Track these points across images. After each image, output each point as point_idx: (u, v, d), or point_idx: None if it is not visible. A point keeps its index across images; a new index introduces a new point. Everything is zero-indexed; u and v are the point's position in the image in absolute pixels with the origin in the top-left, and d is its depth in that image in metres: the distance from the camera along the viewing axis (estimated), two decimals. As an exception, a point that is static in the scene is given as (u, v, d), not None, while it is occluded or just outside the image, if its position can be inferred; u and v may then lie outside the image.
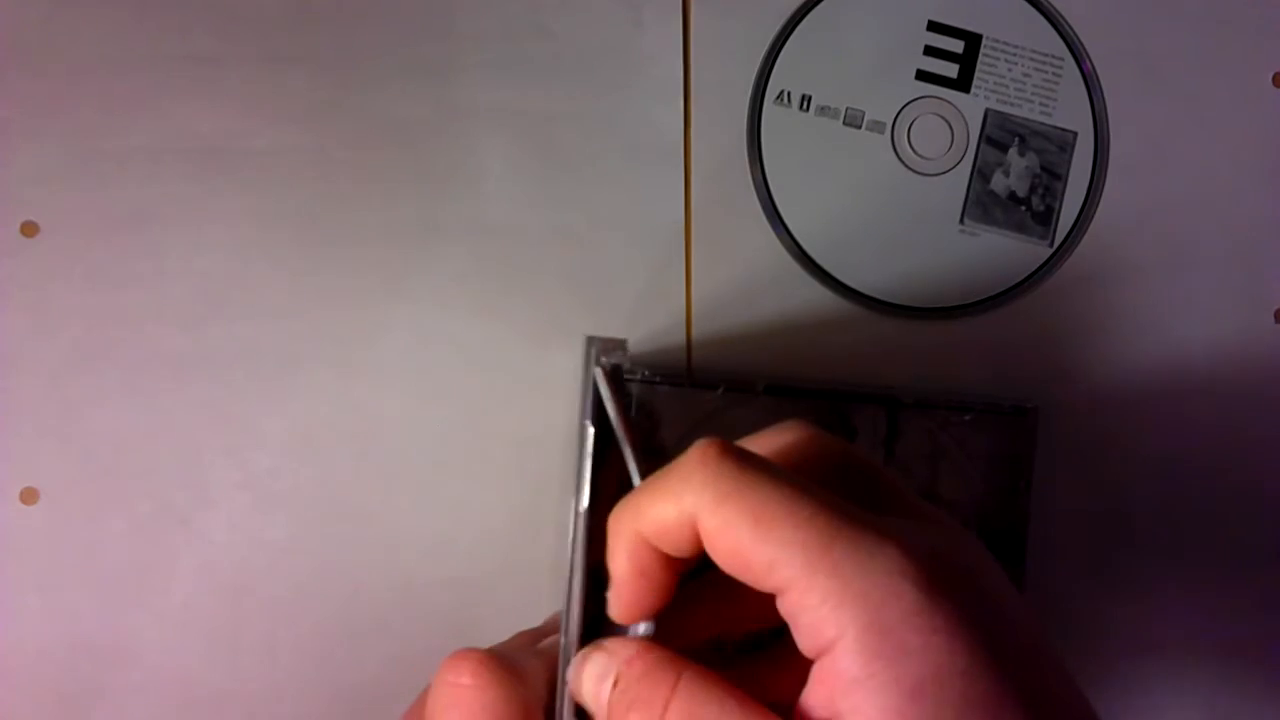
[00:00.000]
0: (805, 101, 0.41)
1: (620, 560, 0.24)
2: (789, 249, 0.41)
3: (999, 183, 0.41)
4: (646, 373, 0.40)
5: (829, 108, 0.41)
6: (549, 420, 0.41)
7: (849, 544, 0.21)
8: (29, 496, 0.40)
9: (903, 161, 0.42)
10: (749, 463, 0.23)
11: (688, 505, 0.23)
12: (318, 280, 0.40)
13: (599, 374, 0.26)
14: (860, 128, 0.42)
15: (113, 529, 0.40)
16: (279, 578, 0.40)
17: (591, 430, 0.25)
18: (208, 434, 0.40)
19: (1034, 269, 0.41)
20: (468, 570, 0.40)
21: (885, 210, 0.42)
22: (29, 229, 0.40)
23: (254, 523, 0.40)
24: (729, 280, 0.41)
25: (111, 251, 0.40)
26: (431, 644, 0.40)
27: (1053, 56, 0.41)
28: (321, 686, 0.40)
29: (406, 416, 0.40)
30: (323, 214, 0.40)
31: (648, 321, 0.41)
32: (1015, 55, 0.41)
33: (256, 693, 0.40)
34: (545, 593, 0.40)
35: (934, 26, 0.41)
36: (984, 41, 0.41)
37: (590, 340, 0.27)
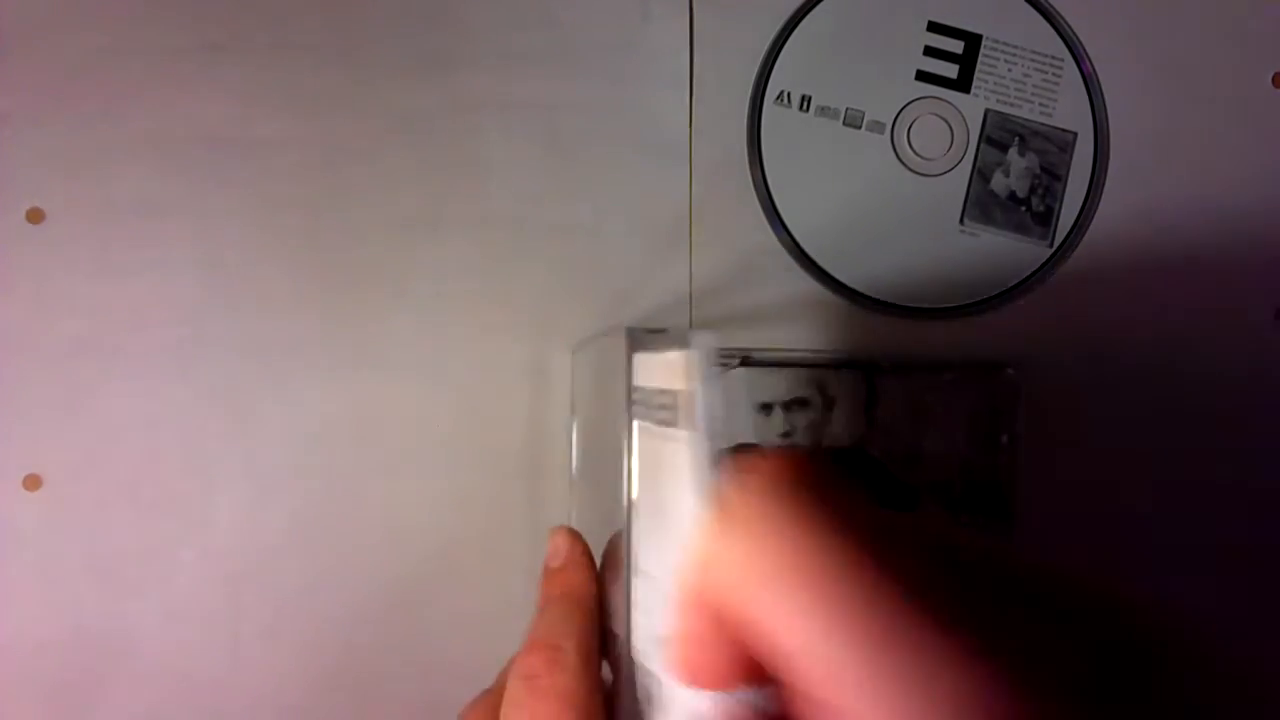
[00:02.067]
0: (805, 102, 0.42)
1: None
2: (789, 249, 0.41)
3: (999, 183, 0.42)
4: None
5: (829, 108, 0.42)
6: (548, 412, 0.41)
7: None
8: (32, 483, 0.40)
9: (902, 162, 0.42)
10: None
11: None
12: (322, 270, 0.41)
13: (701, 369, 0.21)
14: (860, 128, 0.42)
15: (115, 517, 0.40)
16: (281, 567, 0.40)
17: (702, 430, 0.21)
18: (211, 423, 0.40)
19: (1034, 269, 0.41)
20: (467, 561, 0.41)
21: (885, 210, 0.42)
22: (35, 215, 0.40)
23: (256, 512, 0.40)
24: (729, 280, 0.41)
25: (117, 239, 0.40)
26: (431, 634, 0.40)
27: (1052, 57, 0.41)
28: (322, 676, 0.40)
29: (409, 406, 0.41)
30: (328, 204, 0.41)
31: (646, 320, 0.41)
32: (1015, 55, 0.41)
33: (257, 680, 0.40)
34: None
35: (934, 27, 0.42)
36: (984, 42, 0.41)
37: (630, 331, 0.25)
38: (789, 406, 0.40)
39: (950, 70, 0.42)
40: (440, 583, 0.40)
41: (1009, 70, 0.41)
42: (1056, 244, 0.41)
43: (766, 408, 0.40)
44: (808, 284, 0.41)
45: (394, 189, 0.41)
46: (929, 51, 0.42)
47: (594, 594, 0.28)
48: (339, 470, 0.41)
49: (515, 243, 0.41)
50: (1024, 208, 0.41)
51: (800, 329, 0.41)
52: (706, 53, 0.42)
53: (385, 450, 0.41)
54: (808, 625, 0.16)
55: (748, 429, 0.40)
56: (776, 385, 0.40)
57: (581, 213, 0.41)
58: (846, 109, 0.42)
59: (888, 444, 0.40)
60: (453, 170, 0.41)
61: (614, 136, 0.41)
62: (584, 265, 0.41)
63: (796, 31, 0.42)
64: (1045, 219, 0.41)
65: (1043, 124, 0.41)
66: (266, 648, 0.40)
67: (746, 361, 0.40)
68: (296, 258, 0.41)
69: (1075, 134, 0.41)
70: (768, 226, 0.41)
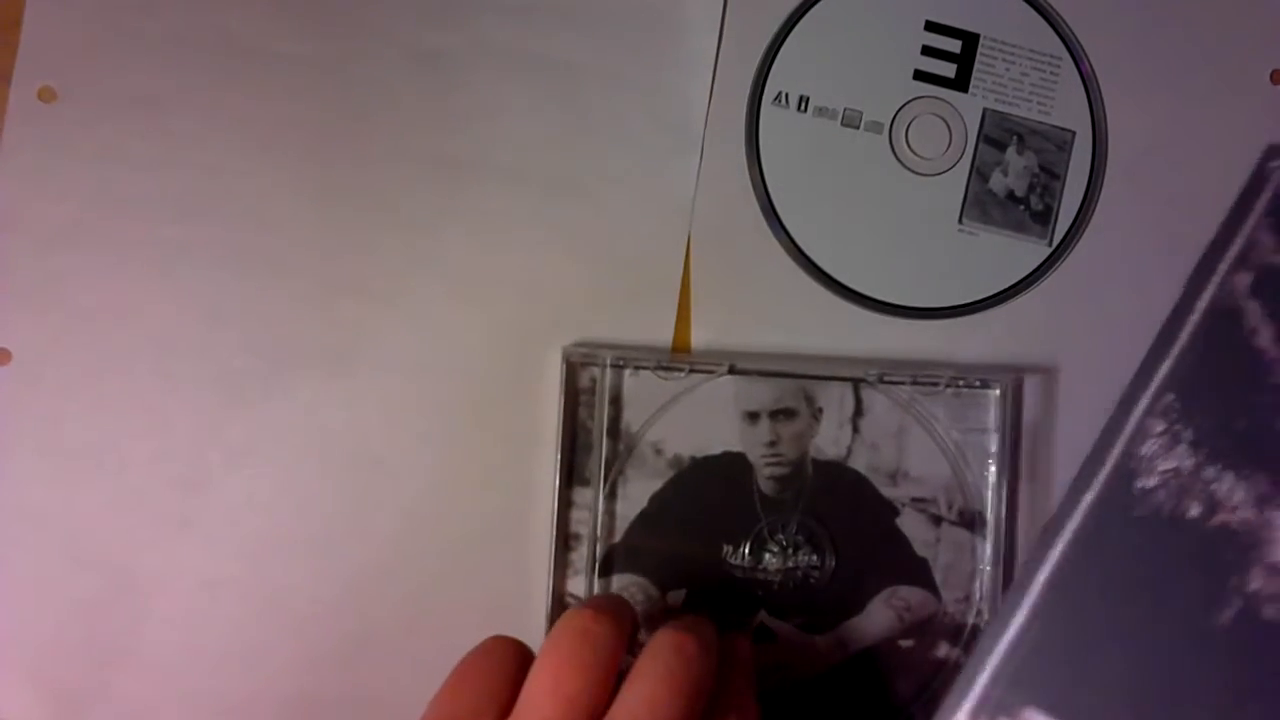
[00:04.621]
0: (803, 102, 0.42)
1: None
2: (787, 249, 0.41)
3: (997, 182, 0.41)
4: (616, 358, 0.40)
5: (827, 108, 0.42)
6: (538, 408, 0.41)
7: None
8: (1, 357, 0.40)
9: (901, 161, 0.42)
10: None
11: None
12: (319, 193, 0.41)
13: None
14: (858, 128, 0.42)
15: (75, 405, 0.40)
16: (229, 483, 0.40)
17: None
18: (183, 326, 0.41)
19: (1033, 268, 0.41)
20: (465, 556, 0.41)
21: (883, 210, 0.42)
22: (47, 94, 0.41)
23: (216, 421, 0.40)
24: (727, 280, 0.41)
25: (123, 131, 0.41)
26: (423, 631, 0.40)
27: (1051, 56, 0.41)
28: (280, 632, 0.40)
29: (402, 341, 0.41)
30: (335, 129, 0.41)
31: (641, 319, 0.41)
32: (1013, 55, 0.41)
33: (190, 568, 0.40)
34: (542, 586, 0.40)
35: (932, 26, 0.42)
36: (982, 41, 0.41)
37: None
38: (775, 416, 0.40)
39: (948, 70, 0.41)
40: (436, 575, 0.41)
41: (1007, 69, 0.41)
42: (1055, 243, 0.41)
43: (753, 416, 0.40)
44: (806, 283, 0.41)
45: (401, 122, 0.41)
46: (927, 51, 0.42)
47: None
48: (312, 390, 0.41)
49: (513, 200, 0.41)
50: (1022, 207, 0.41)
51: (798, 329, 0.41)
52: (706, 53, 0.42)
53: (362, 380, 0.41)
54: None
55: (734, 438, 0.40)
56: (764, 394, 0.40)
57: (585, 180, 0.41)
58: (844, 109, 0.42)
59: (873, 457, 0.40)
60: (464, 113, 0.41)
61: (632, 104, 0.41)
62: (582, 234, 0.41)
63: (794, 32, 0.42)
64: (1044, 218, 0.41)
65: (1041, 123, 0.41)
66: (197, 548, 0.40)
67: (733, 370, 0.40)
68: (296, 176, 0.41)
69: (1074, 133, 0.41)
70: (766, 227, 0.41)
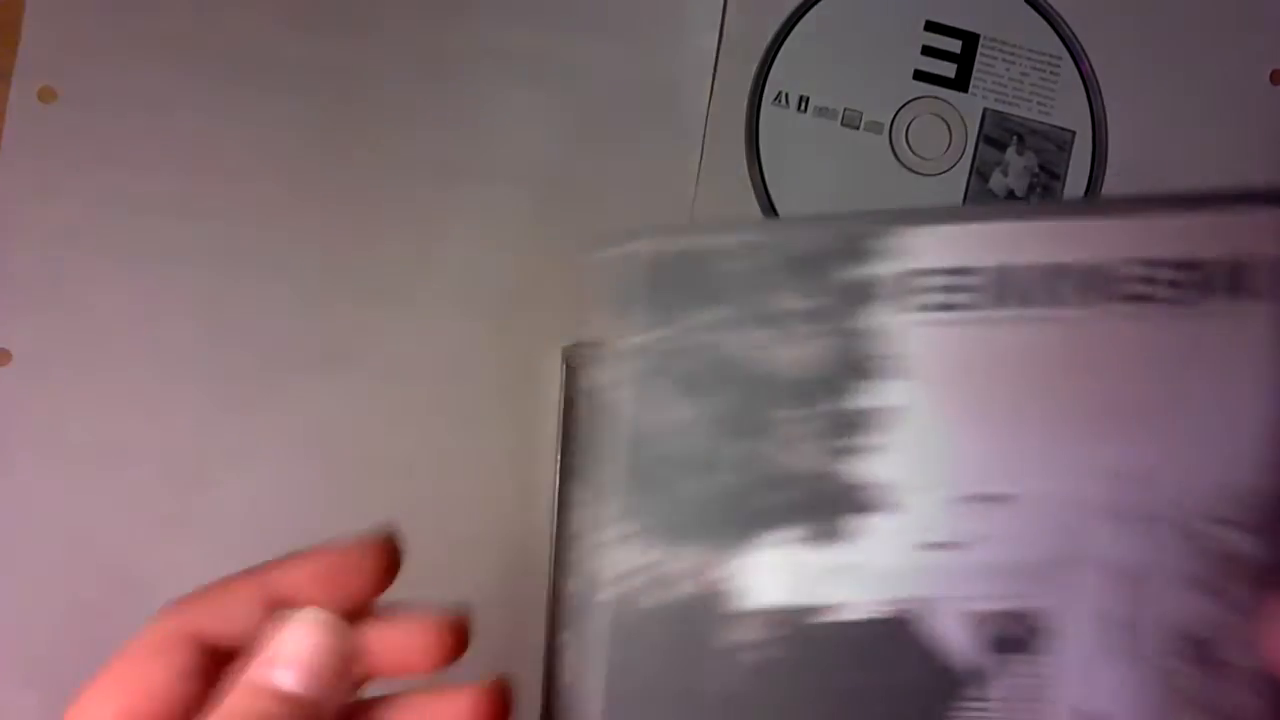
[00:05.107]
0: (803, 102, 0.42)
1: None
2: (787, 248, 0.41)
3: (997, 182, 0.41)
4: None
5: (827, 108, 0.42)
6: (538, 409, 0.41)
7: None
8: (1, 358, 0.40)
9: (901, 161, 0.42)
10: None
11: None
12: (320, 193, 0.41)
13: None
14: (858, 128, 0.42)
15: (75, 406, 0.40)
16: (231, 480, 0.40)
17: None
18: (184, 327, 0.41)
19: (1033, 268, 0.41)
20: (464, 553, 0.41)
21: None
22: (48, 94, 0.41)
23: (219, 421, 0.40)
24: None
25: (124, 131, 0.41)
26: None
27: (1051, 56, 0.41)
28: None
29: (399, 334, 0.41)
30: (336, 129, 0.41)
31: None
32: (1013, 55, 0.41)
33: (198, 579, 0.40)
34: (542, 586, 0.40)
35: (931, 26, 0.42)
36: (981, 41, 0.41)
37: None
38: None
39: (948, 70, 0.41)
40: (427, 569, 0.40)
41: (1007, 69, 0.41)
42: (1055, 243, 0.41)
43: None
44: (806, 284, 0.41)
45: (401, 123, 0.41)
46: (927, 51, 0.42)
47: None
48: (311, 391, 0.41)
49: (513, 200, 0.41)
50: (1022, 207, 0.41)
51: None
52: (705, 53, 0.42)
53: (361, 380, 0.41)
54: None
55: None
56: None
57: (585, 181, 0.41)
58: (844, 109, 0.42)
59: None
60: (461, 113, 0.41)
61: (628, 106, 0.41)
62: (582, 229, 0.41)
63: (794, 32, 0.42)
64: (1044, 218, 0.41)
65: (1041, 123, 0.41)
66: (208, 548, 0.40)
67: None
68: (297, 176, 0.41)
69: (1074, 133, 0.41)
70: (766, 227, 0.41)
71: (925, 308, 0.20)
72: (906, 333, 0.21)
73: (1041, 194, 0.41)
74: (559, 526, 0.39)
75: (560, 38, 0.42)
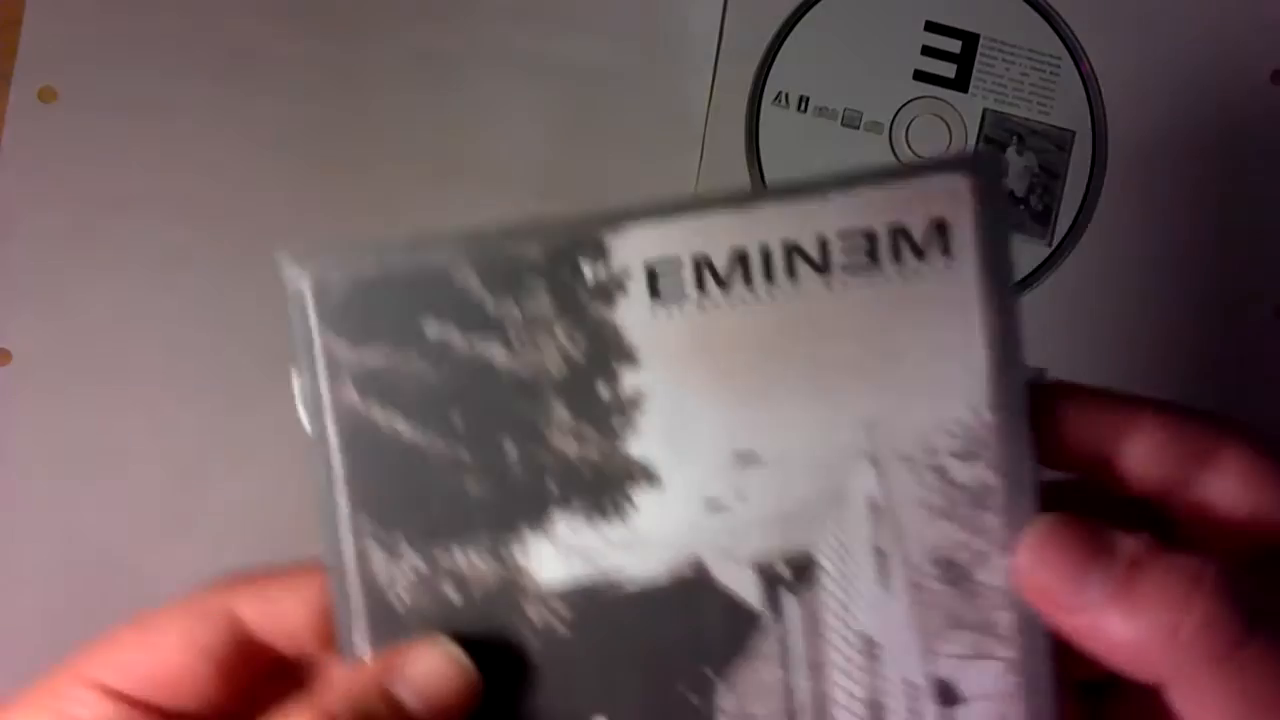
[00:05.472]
0: (803, 102, 0.42)
1: None
2: (787, 249, 0.41)
3: (997, 182, 0.41)
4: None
5: (827, 108, 0.42)
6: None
7: None
8: (1, 358, 0.40)
9: (901, 161, 0.42)
10: None
11: None
12: (320, 193, 0.41)
13: None
14: (858, 128, 0.42)
15: (75, 406, 0.40)
16: (234, 486, 0.40)
17: None
18: (186, 329, 0.41)
19: (1032, 268, 0.41)
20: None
21: (884, 210, 0.42)
22: (48, 94, 0.41)
23: (219, 421, 0.40)
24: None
25: (124, 132, 0.41)
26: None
27: (1051, 56, 0.41)
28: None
29: None
30: (335, 129, 0.41)
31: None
32: (1013, 55, 0.41)
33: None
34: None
35: (931, 26, 0.42)
36: (981, 41, 0.41)
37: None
38: None
39: (948, 70, 0.41)
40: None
41: (1007, 69, 0.41)
42: (1055, 243, 0.41)
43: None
44: (806, 284, 0.41)
45: (401, 123, 0.41)
46: (927, 51, 0.42)
47: None
48: None
49: (514, 199, 0.41)
50: (1022, 207, 0.41)
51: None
52: (705, 53, 0.42)
53: None
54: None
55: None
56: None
57: (585, 181, 0.41)
58: (844, 109, 0.42)
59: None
60: (461, 113, 0.41)
61: (628, 106, 0.41)
62: None
63: (794, 32, 0.42)
64: (1044, 218, 0.41)
65: (1041, 123, 0.41)
66: (208, 548, 0.40)
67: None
68: (297, 177, 0.41)
69: (1074, 133, 0.41)
70: (766, 227, 0.41)
71: (650, 298, 0.22)
72: (637, 324, 0.22)
73: (1042, 194, 0.41)
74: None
75: (560, 38, 0.42)
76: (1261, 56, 0.42)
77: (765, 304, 0.22)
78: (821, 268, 0.22)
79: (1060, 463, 0.22)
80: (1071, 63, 0.41)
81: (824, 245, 0.22)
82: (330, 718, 0.20)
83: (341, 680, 0.21)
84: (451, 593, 0.22)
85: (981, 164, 0.21)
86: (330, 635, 0.22)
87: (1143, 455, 0.22)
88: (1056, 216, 0.41)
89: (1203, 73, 0.42)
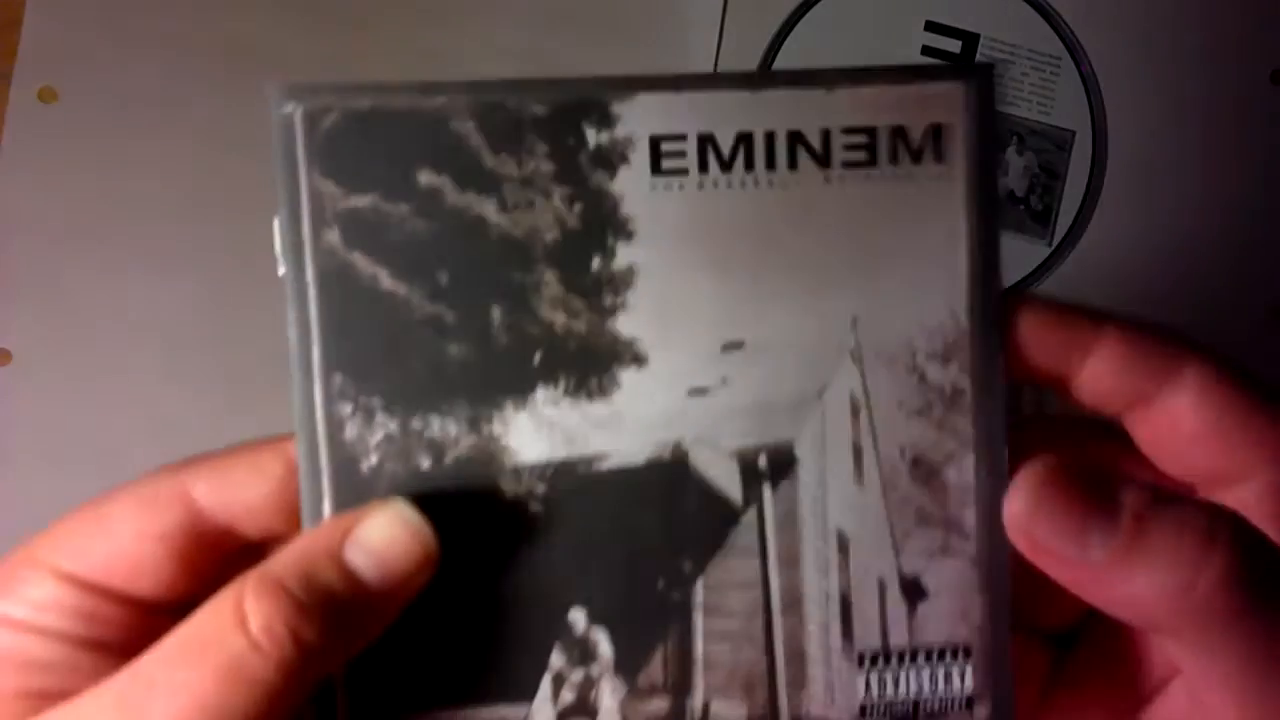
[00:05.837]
0: (803, 102, 0.42)
1: None
2: (787, 248, 0.41)
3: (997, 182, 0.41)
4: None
5: (827, 108, 0.42)
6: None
7: None
8: (1, 357, 0.40)
9: (901, 161, 0.42)
10: None
11: None
12: None
13: None
14: (858, 128, 0.42)
15: (76, 405, 0.40)
16: None
17: None
18: (188, 328, 0.41)
19: (1033, 268, 0.41)
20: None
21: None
22: (47, 94, 0.40)
23: (219, 421, 0.40)
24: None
25: (126, 131, 0.41)
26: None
27: (1051, 56, 0.41)
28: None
29: None
30: None
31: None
32: (1013, 55, 0.41)
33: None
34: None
35: (931, 26, 0.42)
36: (982, 41, 0.41)
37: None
38: None
39: (948, 70, 0.41)
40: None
41: (1007, 69, 0.41)
42: (1055, 243, 0.41)
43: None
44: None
45: None
46: (927, 51, 0.42)
47: None
48: None
49: None
50: (1022, 206, 0.41)
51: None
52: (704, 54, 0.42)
53: None
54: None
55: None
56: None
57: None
58: (844, 109, 0.42)
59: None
60: None
61: None
62: None
63: (794, 32, 0.42)
64: (1044, 218, 0.41)
65: (1041, 123, 0.41)
66: None
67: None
68: None
69: (1074, 133, 0.41)
70: (766, 227, 0.41)
71: (652, 172, 0.22)
72: (636, 196, 0.22)
73: (1042, 194, 0.41)
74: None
75: (560, 38, 0.42)
76: (1261, 56, 0.42)
77: (764, 190, 0.22)
78: (822, 160, 0.22)
79: (1025, 374, 0.22)
80: (1071, 63, 0.41)
81: (827, 138, 0.22)
82: (279, 585, 0.19)
83: (293, 547, 0.20)
84: (425, 461, 0.22)
85: (980, 76, 0.22)
86: (291, 511, 0.22)
87: (1103, 372, 0.22)
88: (1056, 216, 0.41)
89: (1203, 73, 0.42)
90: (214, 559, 0.23)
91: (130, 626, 0.22)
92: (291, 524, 0.22)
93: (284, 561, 0.20)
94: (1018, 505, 0.20)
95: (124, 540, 0.22)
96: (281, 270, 0.23)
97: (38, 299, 0.40)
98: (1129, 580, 0.19)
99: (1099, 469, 0.20)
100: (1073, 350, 0.22)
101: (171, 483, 0.23)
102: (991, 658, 0.22)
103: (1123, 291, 0.41)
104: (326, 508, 0.22)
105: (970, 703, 0.22)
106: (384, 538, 0.21)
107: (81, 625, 0.22)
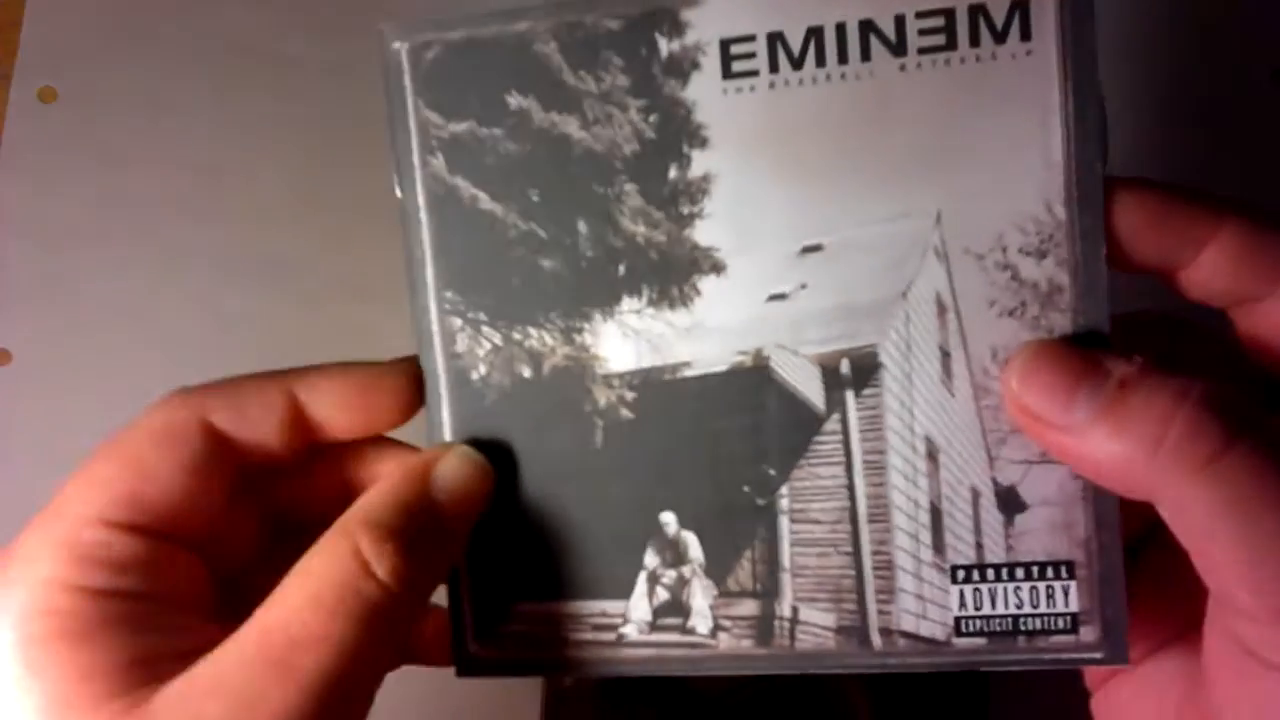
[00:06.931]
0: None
1: None
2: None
3: (997, 182, 0.41)
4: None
5: (827, 108, 0.42)
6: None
7: None
8: (1, 357, 0.40)
9: (901, 161, 0.42)
10: None
11: None
12: (320, 193, 0.41)
13: None
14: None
15: (75, 404, 0.40)
16: None
17: None
18: (185, 326, 0.41)
19: (1033, 268, 0.41)
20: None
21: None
22: (47, 94, 0.41)
23: None
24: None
25: (125, 131, 0.41)
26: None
27: (1051, 56, 0.41)
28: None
29: (389, 336, 0.41)
30: (336, 129, 0.41)
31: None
32: (1013, 55, 0.41)
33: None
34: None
35: (931, 27, 0.41)
36: (982, 41, 0.41)
37: None
38: None
39: (948, 70, 0.41)
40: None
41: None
42: (1055, 243, 0.41)
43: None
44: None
45: None
46: (927, 51, 0.41)
47: None
48: None
49: None
50: (1022, 207, 0.41)
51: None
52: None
53: None
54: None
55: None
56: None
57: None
58: (844, 109, 0.42)
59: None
60: None
61: None
62: None
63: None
64: (1044, 218, 0.41)
65: (1041, 123, 0.41)
66: None
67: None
68: (297, 177, 0.41)
69: (1074, 133, 0.41)
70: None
71: (723, 76, 0.22)
72: (708, 102, 0.22)
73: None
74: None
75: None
76: (1261, 56, 0.42)
77: (837, 85, 0.21)
78: (897, 49, 0.21)
79: (1129, 265, 0.21)
80: (1071, 63, 0.41)
81: (901, 24, 0.21)
82: (391, 530, 0.21)
83: (386, 491, 0.22)
84: (526, 370, 0.23)
85: None
86: (296, 440, 0.23)
87: (1220, 266, 0.20)
88: (1056, 216, 0.41)
89: (1203, 73, 0.42)
90: (234, 485, 0.23)
91: (189, 566, 0.23)
92: (296, 452, 0.23)
93: (385, 505, 0.22)
94: (1012, 376, 0.20)
95: (162, 480, 0.23)
96: (399, 194, 0.24)
97: (38, 299, 0.40)
98: (1107, 441, 0.19)
99: (1093, 350, 0.20)
100: (1186, 243, 0.20)
101: (190, 412, 0.24)
102: (1099, 575, 0.21)
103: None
104: (445, 416, 0.23)
105: (1075, 622, 0.21)
106: (459, 475, 0.22)
107: (155, 579, 0.22)
